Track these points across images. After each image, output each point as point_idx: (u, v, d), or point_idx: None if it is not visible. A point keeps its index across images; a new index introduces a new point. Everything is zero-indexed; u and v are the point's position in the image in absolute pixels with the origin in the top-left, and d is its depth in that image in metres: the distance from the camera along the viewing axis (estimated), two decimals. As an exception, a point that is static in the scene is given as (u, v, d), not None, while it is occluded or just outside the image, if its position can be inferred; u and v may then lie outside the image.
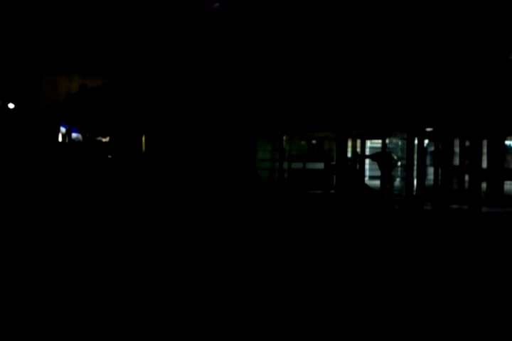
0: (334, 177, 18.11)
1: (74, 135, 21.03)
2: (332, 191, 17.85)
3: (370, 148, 20.71)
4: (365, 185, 18.25)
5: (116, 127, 21.28)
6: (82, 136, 21.28)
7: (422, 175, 16.82)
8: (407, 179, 16.37)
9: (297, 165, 19.14)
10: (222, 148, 18.99)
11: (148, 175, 20.85)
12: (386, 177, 17.88)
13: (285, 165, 19.15)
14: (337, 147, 17.93)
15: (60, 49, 19.15)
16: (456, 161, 18.27)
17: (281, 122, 18.29)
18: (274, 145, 19.15)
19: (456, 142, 18.07)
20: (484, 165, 17.79)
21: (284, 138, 19.02)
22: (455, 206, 15.85)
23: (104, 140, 22.65)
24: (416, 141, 16.16)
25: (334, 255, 8.97)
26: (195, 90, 19.36)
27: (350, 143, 18.77)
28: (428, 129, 17.35)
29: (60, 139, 21.97)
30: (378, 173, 19.11)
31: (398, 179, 17.72)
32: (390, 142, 17.59)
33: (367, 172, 20.18)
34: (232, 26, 18.76)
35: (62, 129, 21.08)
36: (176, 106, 19.68)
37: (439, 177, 16.91)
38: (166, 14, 19.24)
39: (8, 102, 22.14)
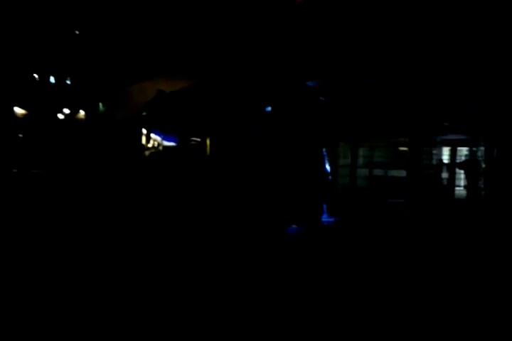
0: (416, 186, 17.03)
1: (158, 138, 21.35)
2: (413, 200, 16.78)
3: (464, 155, 19.29)
4: (451, 195, 17.02)
5: (206, 132, 21.34)
6: (175, 140, 21.54)
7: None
8: (490, 189, 14.98)
9: (379, 172, 18.31)
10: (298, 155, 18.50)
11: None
12: (473, 187, 16.53)
13: (366, 171, 18.38)
14: (418, 154, 16.84)
15: (146, 55, 19.60)
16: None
17: (360, 128, 17.54)
18: (355, 151, 18.42)
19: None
20: None
21: (366, 144, 18.25)
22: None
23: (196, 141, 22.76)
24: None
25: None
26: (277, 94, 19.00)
27: (436, 151, 17.59)
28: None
29: (144, 143, 22.34)
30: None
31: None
32: (478, 150, 16.22)
33: (461, 182, 18.78)
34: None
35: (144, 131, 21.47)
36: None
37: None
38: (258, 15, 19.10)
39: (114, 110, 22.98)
